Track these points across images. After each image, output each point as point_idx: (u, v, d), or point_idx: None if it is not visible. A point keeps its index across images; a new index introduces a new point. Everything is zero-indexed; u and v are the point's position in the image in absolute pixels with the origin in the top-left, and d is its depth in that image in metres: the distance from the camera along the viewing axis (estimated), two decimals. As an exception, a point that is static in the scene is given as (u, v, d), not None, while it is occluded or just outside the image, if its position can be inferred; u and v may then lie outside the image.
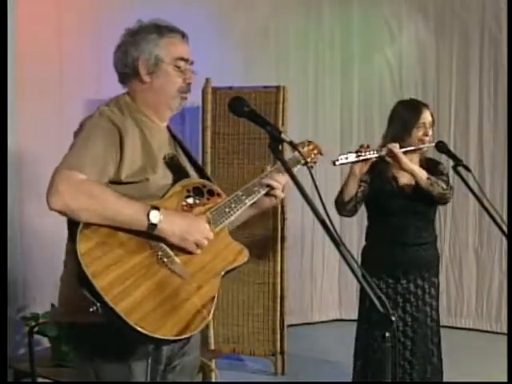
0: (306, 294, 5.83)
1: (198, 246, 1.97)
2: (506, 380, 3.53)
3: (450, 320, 5.60)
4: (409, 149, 3.28)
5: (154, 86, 2.09)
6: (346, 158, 3.13)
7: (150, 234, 1.90)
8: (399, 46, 5.88)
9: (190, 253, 1.97)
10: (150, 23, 2.12)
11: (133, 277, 1.85)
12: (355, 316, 3.48)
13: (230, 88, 4.44)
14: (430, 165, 3.40)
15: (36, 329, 3.41)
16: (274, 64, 5.47)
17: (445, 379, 3.46)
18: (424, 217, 3.40)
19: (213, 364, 3.97)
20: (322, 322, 5.87)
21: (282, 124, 4.37)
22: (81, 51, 4.19)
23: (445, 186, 3.29)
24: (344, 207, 3.35)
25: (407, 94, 5.20)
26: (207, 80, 4.37)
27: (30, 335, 3.30)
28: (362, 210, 3.49)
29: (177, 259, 1.95)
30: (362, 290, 2.87)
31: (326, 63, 5.81)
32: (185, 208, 2.04)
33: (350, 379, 3.48)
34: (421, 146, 3.33)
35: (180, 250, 1.96)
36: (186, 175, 2.13)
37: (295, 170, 2.23)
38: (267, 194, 2.20)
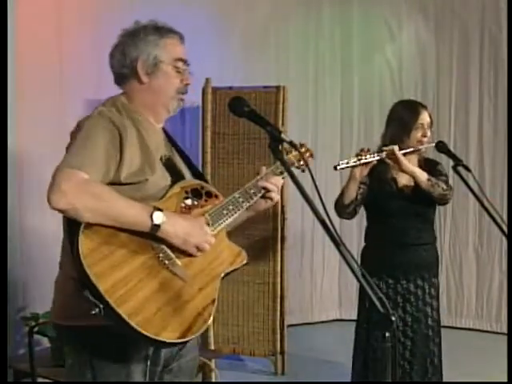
0: (306, 294, 5.83)
1: (198, 249, 1.97)
2: (506, 380, 3.53)
3: (450, 320, 5.60)
4: (408, 150, 3.28)
5: (153, 86, 2.09)
6: (347, 163, 3.14)
7: (151, 235, 1.89)
8: (399, 46, 5.88)
9: (190, 255, 1.97)
10: (148, 24, 2.12)
11: (135, 279, 1.84)
12: (355, 316, 3.48)
13: (230, 88, 4.44)
14: (428, 165, 3.41)
15: (36, 329, 3.41)
16: (273, 64, 5.47)
17: (445, 379, 3.46)
18: (424, 217, 3.40)
19: (213, 364, 3.97)
20: (322, 322, 5.87)
21: (282, 124, 4.37)
22: (81, 51, 4.19)
23: (445, 187, 3.29)
24: (344, 210, 3.35)
25: (407, 94, 5.22)
26: (207, 80, 4.37)
27: (30, 335, 3.30)
28: (362, 211, 3.49)
29: (178, 261, 1.95)
30: (362, 290, 2.88)
31: (326, 63, 5.81)
32: (183, 209, 2.03)
33: (349, 379, 3.48)
34: (420, 147, 3.33)
35: (181, 252, 1.96)
36: (182, 177, 2.13)
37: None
38: (263, 197, 2.20)
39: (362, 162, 3.16)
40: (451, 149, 2.94)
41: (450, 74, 5.67)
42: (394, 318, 1.51)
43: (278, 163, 2.22)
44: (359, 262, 3.36)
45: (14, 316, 3.87)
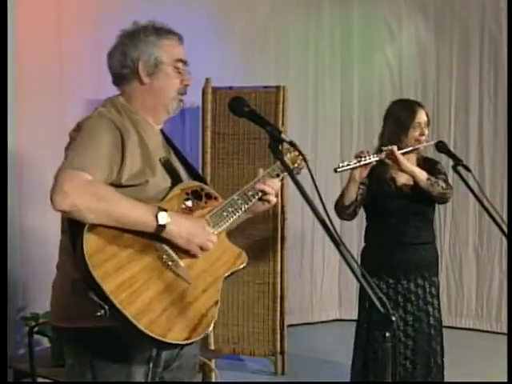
0: (306, 294, 5.83)
1: (202, 248, 1.97)
2: (506, 380, 3.53)
3: (450, 320, 5.59)
4: (407, 150, 3.29)
5: (154, 87, 2.09)
6: (347, 164, 3.14)
7: (154, 236, 1.89)
8: (399, 46, 5.88)
9: (192, 256, 1.97)
10: (147, 25, 2.12)
11: (140, 280, 1.84)
12: (355, 316, 3.49)
13: (230, 88, 4.44)
14: (427, 164, 3.41)
15: (36, 329, 3.41)
16: (273, 64, 5.47)
17: (445, 379, 3.46)
18: (423, 216, 3.40)
19: (213, 364, 3.97)
20: (322, 322, 5.87)
21: (282, 124, 4.37)
22: (81, 51, 4.19)
23: (444, 186, 3.30)
24: (344, 211, 3.36)
25: (407, 94, 5.22)
26: (207, 80, 4.37)
27: (30, 335, 3.30)
28: (362, 211, 3.50)
29: (181, 262, 1.95)
30: (362, 291, 2.88)
31: (326, 63, 5.81)
32: (184, 211, 2.04)
33: (349, 379, 3.48)
34: (418, 146, 3.34)
35: (183, 253, 1.95)
36: (180, 178, 2.12)
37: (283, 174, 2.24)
38: (260, 199, 2.20)
39: (362, 163, 3.16)
40: (451, 149, 2.94)
41: (450, 74, 5.67)
42: (394, 318, 1.51)
43: (275, 166, 2.23)
44: (359, 262, 3.35)
45: (14, 316, 3.87)
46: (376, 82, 5.90)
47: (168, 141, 2.21)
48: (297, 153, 2.33)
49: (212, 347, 4.34)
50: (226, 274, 2.06)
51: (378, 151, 3.27)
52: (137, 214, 1.86)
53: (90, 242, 1.80)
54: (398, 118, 3.36)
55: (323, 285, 5.92)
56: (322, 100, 5.83)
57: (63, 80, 4.16)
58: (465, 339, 5.37)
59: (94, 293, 1.76)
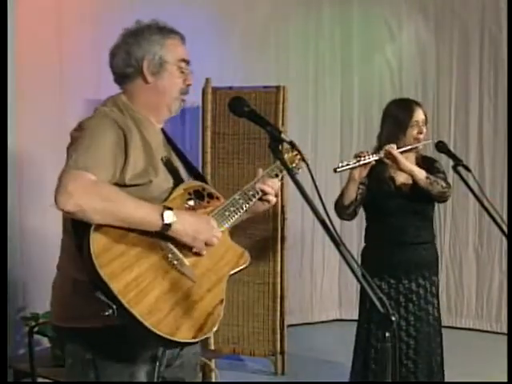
0: (306, 294, 5.83)
1: (207, 244, 1.98)
2: (506, 380, 3.53)
3: (450, 320, 5.60)
4: (406, 148, 3.29)
5: (157, 86, 2.09)
6: (347, 164, 3.14)
7: (159, 235, 1.90)
8: (399, 46, 5.88)
9: (197, 254, 1.98)
10: (151, 24, 2.12)
11: (147, 279, 1.84)
12: (355, 316, 3.49)
13: (230, 88, 4.44)
14: (426, 163, 3.41)
15: (36, 329, 3.41)
16: (273, 64, 5.47)
17: (445, 379, 3.46)
18: (422, 215, 3.40)
19: (213, 364, 3.97)
20: (322, 322, 5.87)
21: (282, 124, 4.37)
22: (81, 51, 4.19)
23: (444, 184, 3.30)
24: (344, 211, 3.36)
25: (407, 94, 5.21)
26: (207, 80, 4.37)
27: (30, 335, 3.30)
28: (362, 211, 3.50)
29: (186, 261, 1.95)
30: (363, 291, 2.88)
31: (326, 63, 5.81)
32: (187, 210, 2.04)
33: (349, 379, 3.48)
34: (417, 145, 3.34)
35: (188, 251, 1.96)
36: (181, 178, 2.13)
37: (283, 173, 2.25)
38: (260, 199, 2.21)
39: (361, 163, 3.16)
40: (451, 149, 2.94)
41: (450, 74, 5.67)
42: (394, 318, 1.51)
43: (274, 165, 2.24)
44: (359, 262, 3.35)
45: (14, 316, 3.87)
46: (376, 82, 5.90)
47: (169, 140, 2.21)
48: (295, 153, 2.34)
49: (212, 347, 4.34)
50: (232, 272, 2.07)
51: (377, 151, 3.27)
52: (142, 213, 1.86)
53: (96, 241, 1.80)
54: (396, 118, 3.36)
55: (323, 285, 5.92)
56: (322, 100, 5.83)
57: (63, 80, 4.16)
58: (465, 339, 5.37)
59: (101, 292, 1.76)
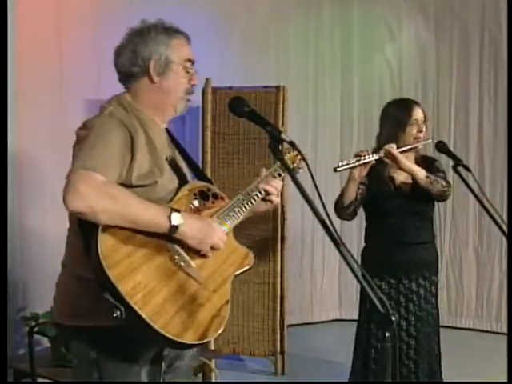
0: (306, 294, 5.83)
1: (213, 248, 1.98)
2: (506, 380, 3.53)
3: (450, 320, 5.60)
4: (406, 148, 3.29)
5: (163, 86, 2.09)
6: (347, 164, 3.14)
7: (165, 236, 1.90)
8: (399, 46, 5.88)
9: (203, 256, 1.98)
10: (157, 23, 2.12)
11: (154, 281, 1.85)
12: (355, 316, 3.49)
13: (230, 88, 4.44)
14: (426, 162, 3.41)
15: (36, 329, 3.41)
16: (273, 64, 5.47)
17: (445, 379, 3.47)
18: (422, 215, 3.40)
19: (213, 364, 3.97)
20: (322, 322, 5.87)
21: (282, 124, 4.37)
22: (81, 51, 4.19)
23: (444, 183, 3.29)
24: (344, 211, 3.36)
25: (407, 94, 5.21)
26: (207, 80, 4.37)
27: (30, 335, 3.30)
28: (362, 211, 3.49)
29: (192, 263, 1.96)
30: (363, 291, 2.88)
31: (326, 63, 5.81)
32: (192, 211, 2.05)
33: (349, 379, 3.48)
34: (417, 144, 3.34)
35: (194, 253, 1.97)
36: (186, 178, 2.13)
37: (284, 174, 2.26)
38: (263, 199, 2.21)
39: (361, 162, 3.16)
40: (451, 149, 2.94)
41: (450, 74, 5.67)
42: (394, 318, 1.51)
43: (276, 165, 2.24)
44: (359, 262, 3.35)
45: (14, 316, 3.87)
46: (376, 82, 5.90)
47: (173, 139, 2.22)
48: (295, 153, 2.35)
49: (212, 347, 4.33)
50: (237, 273, 2.08)
51: (377, 151, 3.27)
52: (150, 214, 1.87)
53: (104, 242, 1.80)
54: (395, 117, 3.36)
55: (323, 285, 5.92)
56: (322, 100, 5.83)
57: (63, 80, 4.16)
58: (465, 339, 5.38)
59: (109, 293, 1.76)
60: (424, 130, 3.36)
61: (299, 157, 2.39)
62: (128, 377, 1.97)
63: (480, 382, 4.18)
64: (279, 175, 2.24)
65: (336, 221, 2.48)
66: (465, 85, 5.62)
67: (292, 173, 1.89)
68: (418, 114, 3.36)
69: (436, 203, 3.49)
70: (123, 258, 1.82)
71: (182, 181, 2.10)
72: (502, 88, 5.43)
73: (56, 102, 4.11)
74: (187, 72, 2.12)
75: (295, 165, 2.35)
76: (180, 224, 1.88)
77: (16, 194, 3.85)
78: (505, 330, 5.38)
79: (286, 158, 2.31)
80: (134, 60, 2.09)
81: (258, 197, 2.18)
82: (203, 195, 2.10)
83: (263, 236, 4.43)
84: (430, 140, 3.44)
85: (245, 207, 2.13)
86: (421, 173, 3.26)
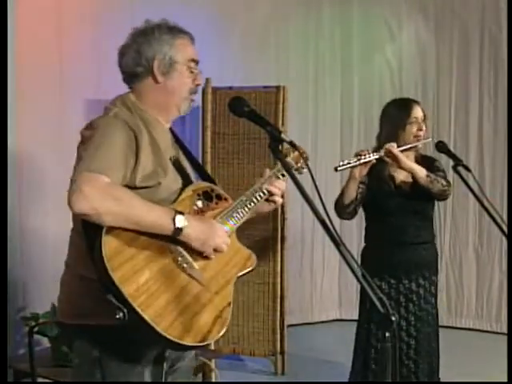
0: (306, 294, 5.83)
1: (216, 250, 1.99)
2: (506, 380, 3.53)
3: (450, 320, 5.60)
4: (406, 147, 3.28)
5: (167, 86, 2.09)
6: (348, 163, 3.14)
7: (169, 238, 1.90)
8: (399, 46, 5.88)
9: (206, 258, 1.99)
10: (161, 23, 2.12)
11: (157, 283, 1.85)
12: (355, 316, 3.48)
13: (230, 88, 4.44)
14: (426, 162, 3.40)
15: (36, 329, 3.41)
16: (273, 64, 5.47)
17: (444, 379, 3.47)
18: (422, 215, 3.40)
19: (213, 364, 3.97)
20: (322, 322, 5.87)
21: (282, 124, 4.37)
22: (81, 51, 4.19)
23: (444, 183, 3.29)
24: (344, 210, 3.35)
25: (407, 94, 5.21)
26: (207, 80, 4.37)
27: (30, 335, 3.30)
28: (362, 211, 3.49)
29: (195, 265, 1.96)
30: (363, 291, 2.88)
31: (326, 63, 5.81)
32: (196, 212, 2.05)
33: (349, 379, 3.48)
34: (417, 143, 3.34)
35: (197, 255, 1.97)
36: (189, 178, 2.14)
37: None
38: (266, 200, 2.21)
39: (362, 161, 3.16)
40: (451, 149, 2.94)
41: (450, 74, 5.67)
42: (394, 318, 1.51)
43: (280, 166, 2.23)
44: (359, 262, 3.35)
45: (14, 316, 3.87)
46: (376, 82, 5.90)
47: (177, 139, 2.22)
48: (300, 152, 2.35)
49: (212, 347, 4.33)
50: (239, 275, 2.08)
51: (377, 150, 3.27)
52: (154, 216, 1.87)
53: (108, 244, 1.80)
54: (395, 116, 3.36)
55: (323, 285, 5.92)
56: (322, 100, 5.83)
57: (63, 80, 4.16)
58: (465, 339, 5.38)
59: (112, 295, 1.77)
60: (424, 128, 3.36)
61: (304, 155, 2.39)
62: (130, 377, 1.97)
63: (480, 382, 4.18)
64: (283, 175, 2.23)
65: (336, 221, 2.48)
66: (465, 85, 5.62)
67: (292, 173, 1.90)
68: (417, 112, 3.36)
69: (436, 203, 3.49)
70: (127, 260, 1.82)
71: (186, 181, 2.10)
72: (502, 88, 5.43)
73: (56, 102, 4.11)
74: (191, 72, 2.12)
75: (299, 164, 2.35)
76: (184, 226, 1.88)
77: (16, 194, 3.85)
78: (505, 330, 5.38)
79: (289, 157, 2.31)
80: (137, 60, 2.08)
81: (261, 197, 2.17)
82: (207, 196, 2.10)
83: (263, 236, 4.43)
84: (430, 139, 3.44)
85: (248, 208, 2.13)
86: (421, 172, 3.26)
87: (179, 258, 1.93)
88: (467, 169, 2.69)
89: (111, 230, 1.82)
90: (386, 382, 1.53)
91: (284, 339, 4.54)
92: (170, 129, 2.20)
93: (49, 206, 3.93)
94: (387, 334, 1.51)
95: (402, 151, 3.25)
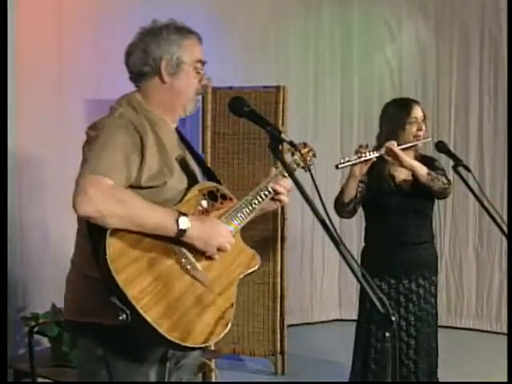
0: (306, 294, 5.83)
1: (219, 249, 1.99)
2: (506, 380, 3.53)
3: (450, 320, 5.60)
4: (406, 146, 3.28)
5: (174, 86, 2.10)
6: (349, 161, 3.14)
7: (173, 239, 1.91)
8: (399, 46, 5.88)
9: (209, 258, 1.99)
10: (169, 23, 2.12)
11: (161, 284, 1.86)
12: (355, 316, 3.48)
13: (230, 88, 4.44)
14: (426, 161, 3.40)
15: (36, 329, 3.41)
16: (273, 64, 5.47)
17: (444, 379, 3.47)
18: (422, 214, 3.39)
19: (213, 364, 3.97)
20: (322, 322, 5.87)
21: (282, 124, 4.37)
22: (81, 51, 4.19)
23: (445, 181, 3.29)
24: (344, 208, 3.35)
25: (407, 94, 5.20)
26: (207, 80, 4.36)
27: (30, 335, 3.30)
28: (361, 210, 3.49)
29: (199, 266, 1.96)
30: (363, 291, 2.89)
31: (326, 63, 5.81)
32: (201, 212, 2.05)
33: (349, 379, 3.48)
34: (417, 142, 3.34)
35: (201, 255, 1.97)
36: (196, 178, 2.14)
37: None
38: (272, 198, 2.21)
39: (363, 159, 3.16)
40: (451, 149, 2.94)
41: (450, 74, 5.67)
42: (394, 318, 1.51)
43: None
44: (359, 262, 3.35)
45: (14, 316, 3.87)
46: (376, 82, 5.90)
47: (183, 139, 2.22)
48: (306, 149, 2.37)
49: (212, 347, 4.33)
50: (243, 275, 2.09)
51: (378, 149, 3.27)
52: (158, 218, 1.87)
53: (112, 246, 1.81)
54: (394, 116, 3.36)
55: (323, 285, 5.92)
56: (322, 100, 5.83)
57: (63, 80, 4.16)
58: (465, 339, 5.38)
59: (115, 297, 1.78)
60: (424, 128, 3.36)
61: (311, 153, 2.40)
62: (136, 375, 1.98)
63: (480, 382, 4.18)
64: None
65: (336, 220, 2.48)
66: (465, 85, 5.62)
67: (292, 172, 1.90)
68: (417, 112, 3.36)
69: (436, 202, 3.49)
70: (131, 262, 1.83)
71: (192, 181, 2.10)
72: (502, 88, 5.43)
73: (56, 102, 4.11)
74: (198, 73, 2.13)
75: (307, 161, 2.36)
76: (188, 228, 1.89)
77: (16, 193, 3.85)
78: (505, 330, 5.38)
79: (297, 156, 2.31)
80: (144, 60, 2.08)
81: (266, 196, 2.18)
82: (212, 196, 2.10)
83: (263, 236, 4.43)
84: (430, 138, 3.44)
85: (253, 207, 2.13)
86: (422, 169, 3.25)
87: (183, 260, 1.93)
88: (467, 169, 2.69)
89: (115, 232, 1.83)
90: (385, 382, 1.53)
91: (284, 339, 4.54)
92: (176, 128, 2.20)
93: (49, 206, 3.93)
94: (387, 334, 1.51)
95: (402, 150, 3.25)
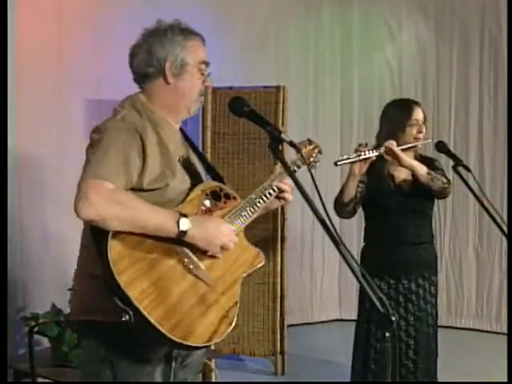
0: (306, 294, 5.83)
1: (223, 248, 1.99)
2: (506, 380, 3.53)
3: (450, 320, 5.60)
4: (405, 146, 3.28)
5: (178, 88, 2.10)
6: (348, 158, 3.14)
7: (175, 240, 1.91)
8: (399, 46, 5.88)
9: (212, 257, 1.99)
10: (173, 24, 2.12)
11: (163, 285, 1.87)
12: (355, 316, 3.48)
13: (230, 88, 4.44)
14: (425, 162, 3.40)
15: (36, 329, 3.41)
16: (273, 64, 5.47)
17: (444, 379, 3.47)
18: (422, 214, 3.39)
19: (213, 364, 3.97)
20: (322, 322, 5.87)
21: (282, 124, 4.37)
22: (81, 51, 4.19)
23: (445, 180, 3.29)
24: (344, 208, 3.35)
25: (407, 94, 5.22)
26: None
27: (30, 335, 3.31)
28: (361, 210, 3.49)
29: (201, 265, 1.97)
30: (362, 291, 2.88)
31: (326, 63, 5.81)
32: (204, 211, 2.05)
33: (349, 379, 3.48)
34: (417, 143, 3.33)
35: (203, 255, 1.98)
36: (200, 177, 2.14)
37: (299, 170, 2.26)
38: (276, 197, 2.22)
39: (362, 157, 3.15)
40: (451, 149, 2.94)
41: (450, 74, 5.68)
42: (394, 318, 1.51)
43: (290, 163, 2.23)
44: (359, 262, 3.35)
45: (14, 316, 3.87)
46: (376, 82, 5.90)
47: (187, 139, 2.23)
48: (311, 146, 2.39)
49: (212, 347, 4.33)
50: (245, 275, 2.09)
51: (377, 148, 3.26)
52: (158, 220, 1.88)
53: (114, 248, 1.83)
54: (395, 118, 3.35)
55: (323, 285, 5.92)
56: (322, 100, 5.83)
57: (63, 80, 4.16)
58: (465, 339, 5.38)
59: (118, 298, 1.79)
60: (424, 130, 3.36)
61: (316, 150, 2.40)
62: (140, 375, 1.98)
63: (480, 382, 4.18)
64: (294, 171, 2.24)
65: (336, 220, 2.48)
66: (465, 85, 5.62)
67: (292, 173, 1.91)
68: (418, 114, 3.35)
69: (436, 202, 3.49)
70: (132, 264, 1.84)
71: (196, 181, 2.10)
72: (502, 88, 5.43)
73: (56, 102, 4.11)
74: (202, 74, 2.14)
75: (312, 158, 2.36)
76: (188, 229, 1.89)
77: (16, 193, 3.86)
78: (505, 330, 5.38)
79: (303, 151, 2.31)
80: (149, 60, 2.09)
81: (270, 194, 2.18)
82: (215, 195, 2.10)
83: (263, 236, 4.43)
84: (430, 140, 3.44)
85: (257, 206, 2.13)
86: (422, 169, 3.25)
87: (185, 259, 1.94)
88: (467, 169, 2.69)
89: (117, 234, 1.85)
90: (385, 382, 1.53)
91: (284, 339, 4.54)
92: (180, 129, 2.21)
93: (49, 206, 3.93)
94: (387, 334, 1.51)
95: (401, 150, 3.24)
